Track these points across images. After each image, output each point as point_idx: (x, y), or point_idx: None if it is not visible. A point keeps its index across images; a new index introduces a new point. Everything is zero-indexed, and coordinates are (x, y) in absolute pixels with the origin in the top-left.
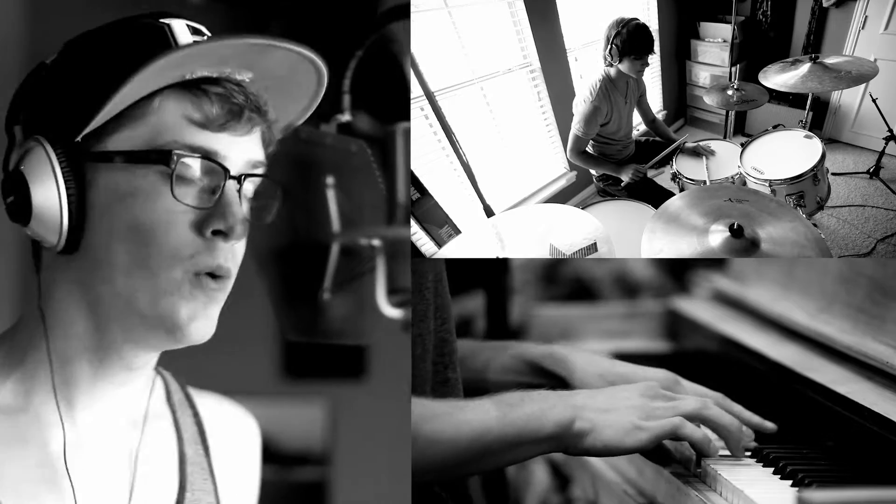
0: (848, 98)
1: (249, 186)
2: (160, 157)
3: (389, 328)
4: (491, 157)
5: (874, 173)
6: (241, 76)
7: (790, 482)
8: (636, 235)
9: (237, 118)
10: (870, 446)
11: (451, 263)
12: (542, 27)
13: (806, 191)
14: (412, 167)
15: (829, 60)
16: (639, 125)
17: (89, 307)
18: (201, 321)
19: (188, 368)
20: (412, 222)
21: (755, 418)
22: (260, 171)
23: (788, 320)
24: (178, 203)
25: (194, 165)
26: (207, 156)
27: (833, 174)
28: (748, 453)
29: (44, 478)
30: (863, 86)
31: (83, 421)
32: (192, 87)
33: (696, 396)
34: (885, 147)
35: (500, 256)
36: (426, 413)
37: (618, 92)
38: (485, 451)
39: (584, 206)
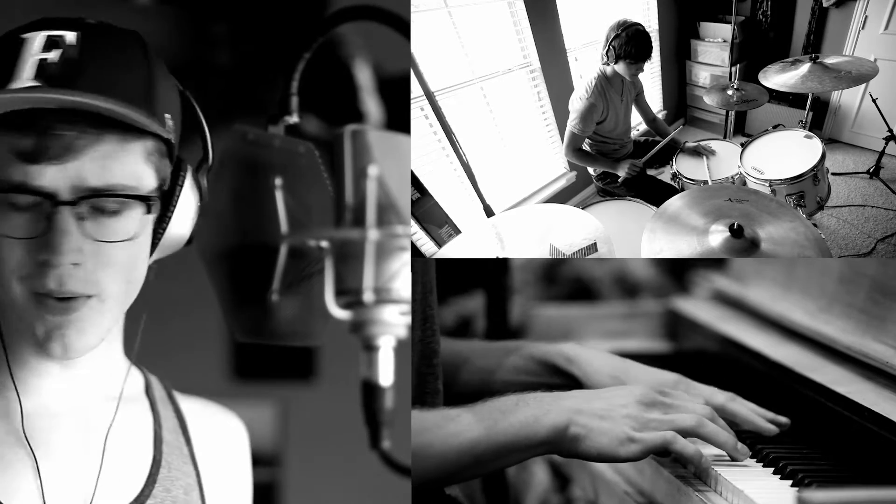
0: (848, 98)
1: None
2: None
3: (339, 330)
4: (491, 157)
5: (874, 173)
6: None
7: (790, 482)
8: (636, 235)
9: (54, 145)
10: (870, 446)
11: (451, 263)
12: (542, 27)
13: (806, 191)
14: (412, 167)
15: (829, 60)
16: (639, 125)
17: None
18: (57, 342)
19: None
20: (412, 222)
21: (768, 414)
22: (119, 190)
23: (788, 320)
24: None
25: (16, 200)
26: (27, 190)
27: (833, 174)
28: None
29: (9, 444)
30: (863, 86)
31: (39, 398)
32: (17, 121)
33: (691, 413)
34: (885, 147)
35: (500, 256)
36: (415, 426)
37: (613, 90)
38: (475, 462)
39: (584, 206)
